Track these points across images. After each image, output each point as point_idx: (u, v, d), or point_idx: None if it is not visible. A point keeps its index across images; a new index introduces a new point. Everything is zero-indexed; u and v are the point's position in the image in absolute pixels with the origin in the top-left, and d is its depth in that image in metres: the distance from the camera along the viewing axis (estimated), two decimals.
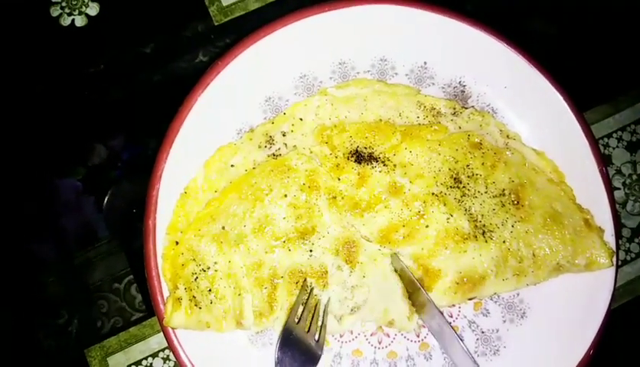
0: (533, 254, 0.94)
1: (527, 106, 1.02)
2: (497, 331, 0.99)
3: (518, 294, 1.00)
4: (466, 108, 1.02)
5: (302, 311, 0.90)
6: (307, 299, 0.91)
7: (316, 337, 0.91)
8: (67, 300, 1.06)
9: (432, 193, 0.94)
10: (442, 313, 0.90)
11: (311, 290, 0.92)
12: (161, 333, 1.01)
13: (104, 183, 1.11)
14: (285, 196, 0.95)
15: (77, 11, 1.15)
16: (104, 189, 1.10)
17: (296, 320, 0.90)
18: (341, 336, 0.98)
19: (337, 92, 1.01)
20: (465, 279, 0.92)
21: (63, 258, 1.08)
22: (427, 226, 0.93)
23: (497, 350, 0.98)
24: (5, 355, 1.06)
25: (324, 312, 0.92)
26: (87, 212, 1.10)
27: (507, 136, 1.01)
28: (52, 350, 1.04)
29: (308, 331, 0.90)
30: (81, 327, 1.05)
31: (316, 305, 0.92)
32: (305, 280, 0.92)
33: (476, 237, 0.93)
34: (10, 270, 1.08)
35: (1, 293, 1.07)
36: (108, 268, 1.08)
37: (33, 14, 1.16)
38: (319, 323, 0.91)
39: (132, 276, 1.08)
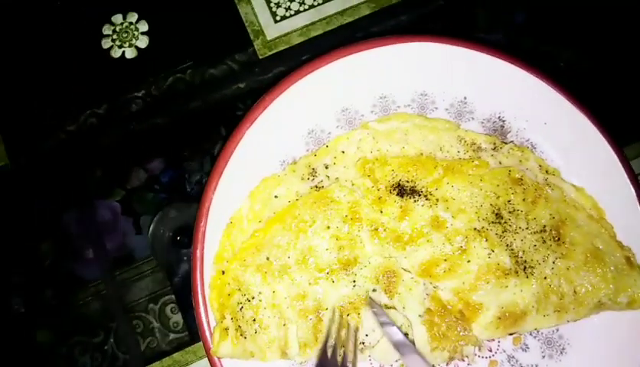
0: (575, 291, 0.94)
1: (566, 142, 1.03)
2: (537, 366, 0.99)
3: (558, 330, 1.00)
4: (506, 143, 1.03)
5: (334, 344, 0.89)
6: (337, 330, 0.90)
7: None
8: (104, 319, 1.09)
9: (474, 228, 0.95)
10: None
11: (340, 317, 0.92)
12: (205, 360, 1.03)
13: (142, 205, 1.14)
14: (328, 227, 0.96)
15: (127, 43, 1.20)
16: (141, 211, 1.14)
17: (328, 356, 0.89)
18: None
19: (378, 126, 1.03)
20: (507, 314, 0.93)
21: (101, 277, 1.11)
22: (469, 261, 0.94)
23: None
24: None
25: (355, 341, 0.91)
26: (125, 233, 1.13)
27: (547, 171, 1.01)
28: None
29: (342, 364, 0.89)
30: (117, 346, 1.08)
31: (347, 335, 0.91)
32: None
33: (517, 273, 0.94)
34: (48, 286, 1.11)
35: (39, 310, 1.10)
36: (143, 289, 1.11)
37: (85, 46, 1.20)
38: (351, 354, 0.90)
39: (167, 297, 1.10)
